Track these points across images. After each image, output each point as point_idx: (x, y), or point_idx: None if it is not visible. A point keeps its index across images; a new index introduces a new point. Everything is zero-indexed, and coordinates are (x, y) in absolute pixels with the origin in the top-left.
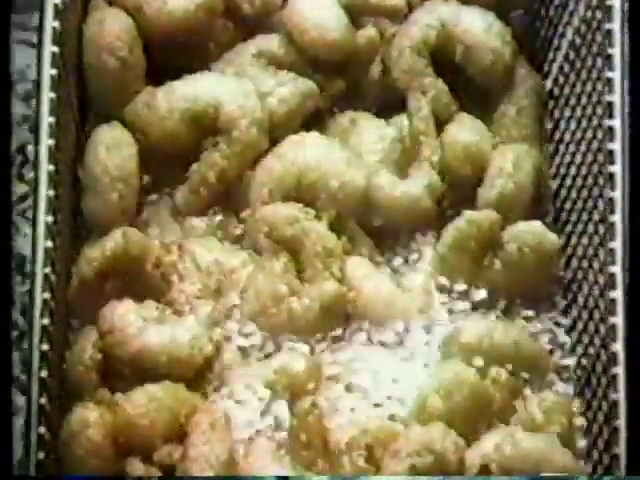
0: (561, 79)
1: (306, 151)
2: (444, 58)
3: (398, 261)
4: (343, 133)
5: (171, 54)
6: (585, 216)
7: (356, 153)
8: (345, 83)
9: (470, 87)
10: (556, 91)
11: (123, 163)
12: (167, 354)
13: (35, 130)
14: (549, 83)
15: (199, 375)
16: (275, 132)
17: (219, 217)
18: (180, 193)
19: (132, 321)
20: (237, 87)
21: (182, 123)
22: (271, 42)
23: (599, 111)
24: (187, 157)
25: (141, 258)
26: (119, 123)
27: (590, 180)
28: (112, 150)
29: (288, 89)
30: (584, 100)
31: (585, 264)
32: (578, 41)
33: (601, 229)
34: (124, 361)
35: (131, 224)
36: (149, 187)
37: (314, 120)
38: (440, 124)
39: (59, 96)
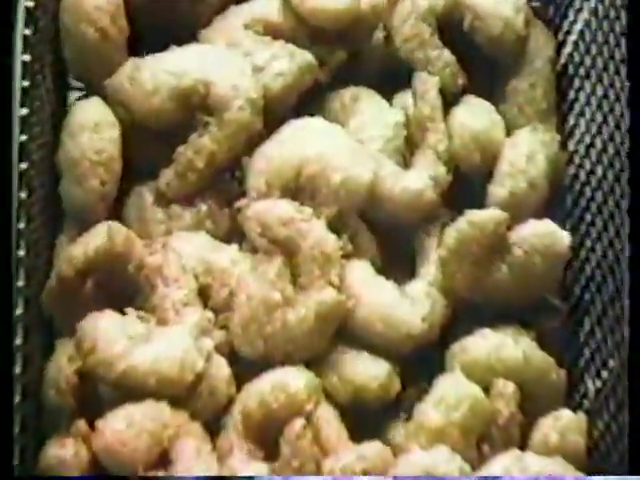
0: (581, 47)
1: (308, 139)
2: (451, 27)
3: (401, 264)
4: (343, 110)
5: (155, 17)
6: (606, 213)
7: (358, 139)
8: (346, 53)
9: (479, 59)
10: (576, 57)
11: (104, 146)
12: (155, 375)
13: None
14: (568, 47)
15: (188, 391)
16: (269, 110)
17: (208, 206)
18: (164, 177)
19: (116, 339)
20: (230, 63)
21: (169, 100)
22: (266, 7)
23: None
24: (174, 137)
25: (124, 257)
26: (100, 100)
27: (611, 176)
28: (92, 132)
29: (284, 63)
30: (606, 82)
31: (604, 269)
32: (600, 11)
33: (623, 233)
34: (107, 382)
35: (111, 211)
36: (131, 169)
37: (313, 95)
38: (447, 100)
39: (32, 84)
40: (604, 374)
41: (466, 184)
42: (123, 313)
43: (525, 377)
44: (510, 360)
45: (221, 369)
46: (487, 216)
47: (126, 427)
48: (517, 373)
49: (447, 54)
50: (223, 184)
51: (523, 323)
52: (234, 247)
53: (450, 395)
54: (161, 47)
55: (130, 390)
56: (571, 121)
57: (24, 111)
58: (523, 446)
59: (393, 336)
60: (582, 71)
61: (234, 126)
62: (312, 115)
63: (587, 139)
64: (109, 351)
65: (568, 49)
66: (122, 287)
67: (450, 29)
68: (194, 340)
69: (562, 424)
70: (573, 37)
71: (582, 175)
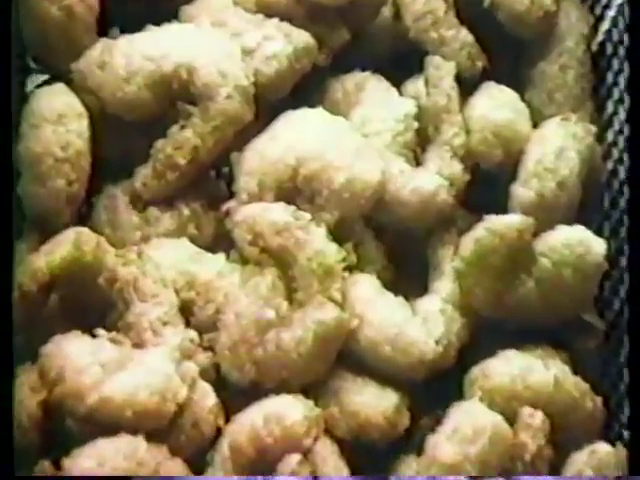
0: (621, 23)
1: (306, 133)
2: (469, 2)
3: (412, 277)
4: (346, 99)
5: None
6: None
7: (363, 133)
8: (349, 33)
9: (501, 39)
10: (615, 34)
11: (71, 140)
12: (132, 407)
13: None
14: (606, 24)
15: (169, 423)
16: (262, 99)
17: (191, 209)
18: (141, 176)
19: (87, 366)
20: (216, 45)
21: (146, 88)
22: None
23: None
24: (151, 130)
25: (94, 268)
26: (65, 87)
27: None
28: (56, 123)
29: (278, 44)
30: None
31: None
32: None
33: None
34: (77, 416)
35: (79, 216)
36: (101, 167)
37: (311, 81)
38: (464, 88)
39: None
40: None
41: (486, 184)
42: (92, 334)
43: (556, 405)
44: (538, 386)
45: (206, 397)
46: (510, 222)
47: (97, 466)
48: (546, 401)
49: (464, 34)
50: (208, 184)
51: (553, 344)
52: (221, 257)
53: (466, 426)
54: (136, 27)
55: (103, 424)
56: (609, 109)
57: None
58: None
59: (403, 361)
60: (622, 51)
61: (221, 117)
62: (310, 105)
63: (627, 130)
64: (79, 380)
65: (606, 25)
66: (92, 303)
67: (468, 5)
68: (175, 365)
69: (598, 459)
70: (612, 12)
71: (621, 172)
